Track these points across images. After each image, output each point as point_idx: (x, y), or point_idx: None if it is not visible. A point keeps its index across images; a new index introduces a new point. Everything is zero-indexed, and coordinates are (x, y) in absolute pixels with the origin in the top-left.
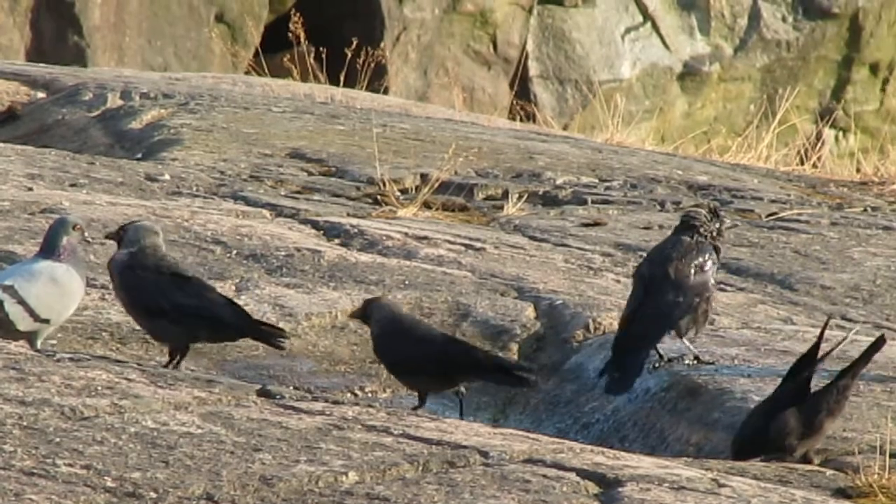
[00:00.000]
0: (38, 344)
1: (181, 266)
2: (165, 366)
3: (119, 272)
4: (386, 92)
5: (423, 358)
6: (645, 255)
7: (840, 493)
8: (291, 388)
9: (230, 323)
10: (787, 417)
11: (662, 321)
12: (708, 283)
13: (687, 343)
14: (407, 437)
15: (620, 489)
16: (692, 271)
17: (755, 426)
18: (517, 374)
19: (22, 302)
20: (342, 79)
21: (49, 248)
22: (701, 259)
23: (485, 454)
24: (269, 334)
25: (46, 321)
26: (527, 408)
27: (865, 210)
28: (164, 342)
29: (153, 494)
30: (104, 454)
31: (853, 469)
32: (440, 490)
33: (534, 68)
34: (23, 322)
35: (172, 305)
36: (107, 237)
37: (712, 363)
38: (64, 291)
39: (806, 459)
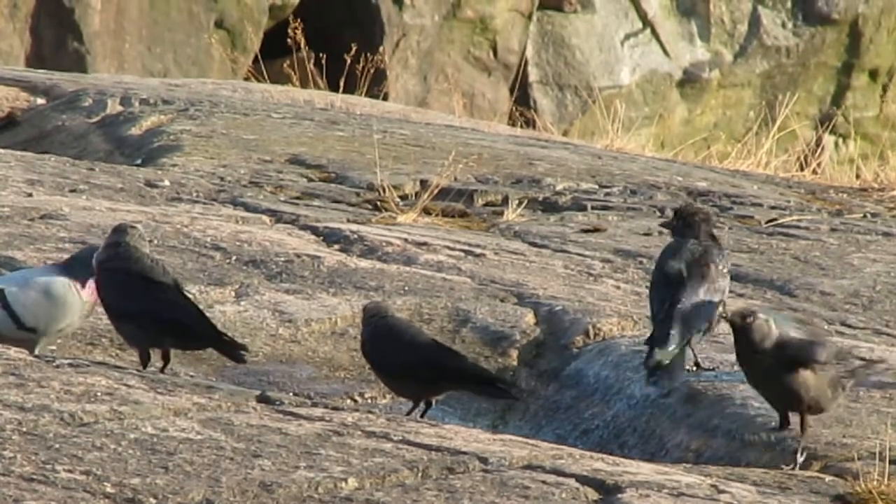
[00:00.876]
0: (38, 350)
1: (154, 270)
2: (161, 370)
3: (96, 271)
4: (385, 98)
5: (411, 362)
6: (661, 256)
7: (839, 499)
8: (291, 394)
9: (194, 331)
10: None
11: (696, 321)
12: (726, 288)
13: (692, 348)
14: (406, 443)
15: (620, 495)
16: (718, 274)
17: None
18: (500, 386)
19: (6, 307)
20: (342, 85)
21: (70, 266)
22: (722, 261)
23: (484, 460)
24: (231, 346)
25: (32, 330)
26: (526, 414)
27: (865, 216)
28: (131, 345)
29: (153, 500)
30: (104, 460)
31: (853, 475)
32: (440, 496)
33: (533, 74)
34: (4, 327)
35: (138, 310)
36: None
37: (713, 369)
38: (56, 304)
39: (802, 426)
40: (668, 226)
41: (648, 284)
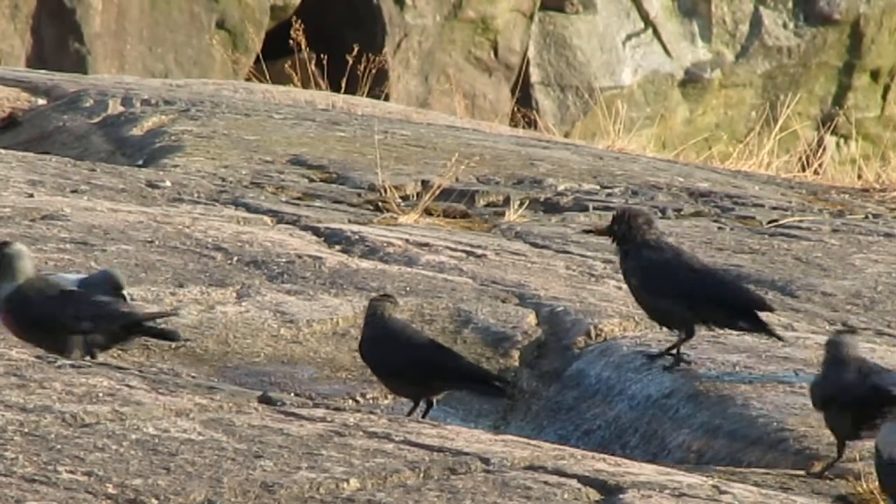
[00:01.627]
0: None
1: (62, 283)
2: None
3: (7, 306)
4: (387, 98)
5: (404, 362)
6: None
7: (841, 499)
8: (292, 394)
9: (115, 319)
10: None
11: None
12: None
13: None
14: (408, 443)
15: (622, 496)
16: None
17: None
18: (495, 385)
19: None
20: (343, 85)
21: (85, 281)
22: None
23: (486, 461)
24: (158, 330)
25: None
26: (528, 414)
27: (867, 217)
28: (67, 353)
29: (154, 501)
30: (105, 461)
31: (854, 476)
32: (441, 497)
33: (535, 75)
34: None
35: (66, 317)
36: None
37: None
38: None
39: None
40: (609, 231)
41: (681, 280)
